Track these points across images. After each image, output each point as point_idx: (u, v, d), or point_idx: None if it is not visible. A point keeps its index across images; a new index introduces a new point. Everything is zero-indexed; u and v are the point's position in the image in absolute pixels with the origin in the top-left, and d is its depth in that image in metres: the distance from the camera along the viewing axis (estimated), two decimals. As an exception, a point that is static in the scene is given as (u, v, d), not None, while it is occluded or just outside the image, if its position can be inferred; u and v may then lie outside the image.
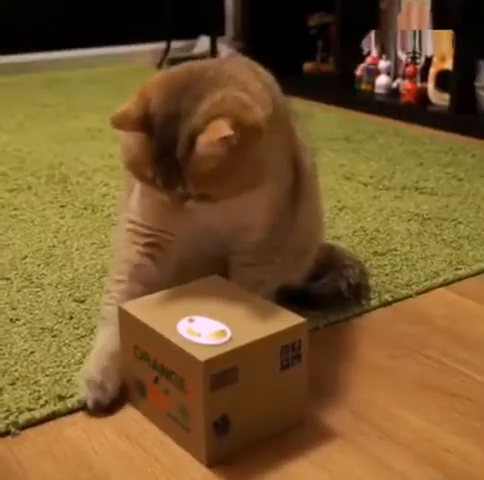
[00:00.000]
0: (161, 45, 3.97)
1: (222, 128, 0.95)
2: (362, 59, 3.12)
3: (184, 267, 1.18)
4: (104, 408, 1.07)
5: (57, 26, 3.80)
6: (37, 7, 3.77)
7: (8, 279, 1.49)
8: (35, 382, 1.14)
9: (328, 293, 1.37)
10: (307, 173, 1.21)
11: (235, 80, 1.03)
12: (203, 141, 0.96)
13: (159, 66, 3.90)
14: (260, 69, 1.14)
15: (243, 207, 1.09)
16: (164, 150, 0.98)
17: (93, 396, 1.07)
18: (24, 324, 1.32)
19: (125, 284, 1.15)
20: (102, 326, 1.16)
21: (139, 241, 1.15)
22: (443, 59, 2.77)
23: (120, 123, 1.00)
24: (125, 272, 1.16)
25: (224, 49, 3.90)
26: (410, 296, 1.43)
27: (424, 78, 2.89)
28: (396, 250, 1.62)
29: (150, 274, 1.16)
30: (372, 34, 3.07)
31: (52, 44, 3.81)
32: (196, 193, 1.01)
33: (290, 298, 1.26)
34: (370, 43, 3.09)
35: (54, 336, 1.27)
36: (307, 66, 3.53)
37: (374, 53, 3.09)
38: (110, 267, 1.20)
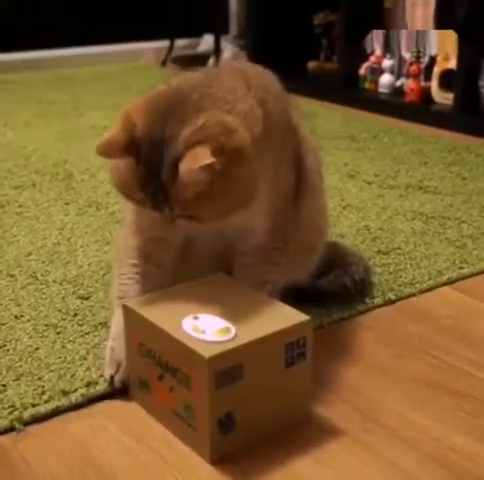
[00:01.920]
0: (165, 43, 3.97)
1: (202, 155, 0.94)
2: (366, 58, 3.11)
3: (188, 265, 1.18)
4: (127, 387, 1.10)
5: (62, 24, 3.80)
6: (42, 5, 3.77)
7: (13, 276, 1.50)
8: (39, 378, 1.14)
9: (333, 289, 1.37)
10: (311, 171, 1.20)
11: (222, 101, 1.01)
12: (184, 168, 0.96)
13: (163, 64, 3.90)
14: (258, 75, 1.12)
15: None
16: (151, 174, 0.99)
17: (121, 375, 1.10)
18: (29, 321, 1.32)
19: (139, 267, 1.16)
20: (119, 306, 1.15)
21: (143, 236, 1.16)
22: (447, 58, 2.77)
23: (107, 151, 1.00)
24: (137, 256, 1.17)
25: (228, 47, 3.90)
26: (414, 295, 1.43)
27: (428, 77, 2.88)
28: (400, 249, 1.62)
29: (160, 257, 1.16)
30: (376, 33, 3.07)
31: (57, 42, 3.81)
32: (184, 215, 1.02)
33: (295, 295, 1.26)
34: (374, 42, 3.09)
35: (58, 333, 1.28)
36: (311, 65, 3.53)
37: (378, 52, 3.09)
38: (119, 253, 1.21)
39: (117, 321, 1.14)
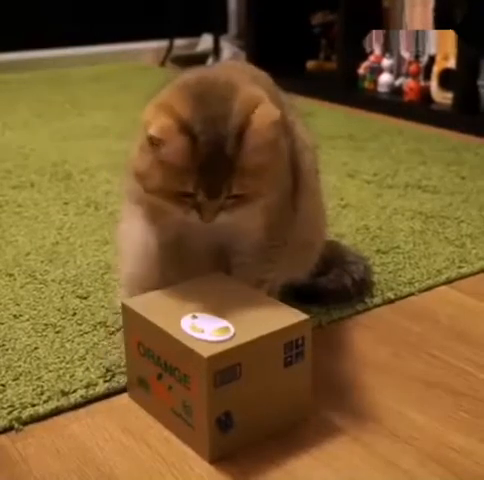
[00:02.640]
0: (164, 43, 3.97)
1: (271, 111, 0.97)
2: (365, 57, 3.11)
3: (186, 265, 1.18)
4: None
5: (61, 24, 3.80)
6: (41, 5, 3.77)
7: (12, 275, 1.50)
8: (38, 378, 1.14)
9: (333, 289, 1.37)
10: (307, 169, 1.20)
11: (247, 82, 1.04)
12: (258, 124, 0.96)
13: (162, 64, 3.90)
14: (256, 72, 1.15)
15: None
16: (210, 154, 0.97)
17: None
18: (27, 320, 1.32)
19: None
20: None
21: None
22: (446, 58, 2.77)
23: (163, 137, 0.96)
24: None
25: (227, 47, 3.90)
26: (413, 294, 1.43)
27: (427, 76, 2.89)
28: (399, 248, 1.62)
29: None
30: (375, 33, 3.07)
31: (56, 42, 3.81)
32: (239, 193, 1.00)
33: (295, 294, 1.27)
34: (373, 41, 3.09)
35: (57, 332, 1.28)
36: (310, 64, 3.53)
37: (377, 51, 3.09)
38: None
39: (133, 250, 1.14)
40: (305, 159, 1.20)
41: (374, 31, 3.06)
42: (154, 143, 0.97)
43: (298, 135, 1.20)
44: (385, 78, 3.05)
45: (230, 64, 1.17)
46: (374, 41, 3.09)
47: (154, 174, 1.00)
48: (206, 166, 0.97)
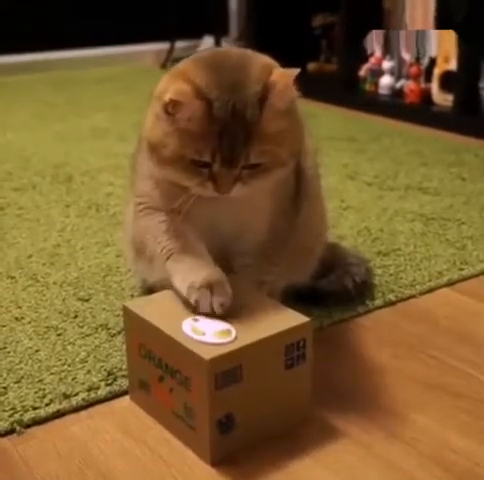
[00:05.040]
0: (165, 45, 3.97)
1: (288, 72, 0.98)
2: (366, 59, 3.12)
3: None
4: (227, 309, 1.01)
5: (62, 26, 3.81)
6: (42, 7, 3.78)
7: (13, 278, 1.50)
8: (40, 380, 1.14)
9: (334, 291, 1.37)
10: (309, 173, 1.21)
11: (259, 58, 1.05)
12: (280, 84, 0.97)
13: (163, 66, 3.91)
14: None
15: (246, 207, 1.09)
16: (227, 120, 0.96)
17: (218, 299, 1.01)
18: (29, 323, 1.32)
19: (181, 240, 1.10)
20: (174, 260, 1.08)
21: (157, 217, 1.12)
22: (447, 60, 2.77)
23: (180, 99, 0.95)
24: (172, 235, 1.10)
25: (228, 49, 3.90)
26: (414, 296, 1.43)
27: (428, 79, 2.89)
28: (400, 250, 1.62)
29: (188, 229, 1.10)
30: (376, 34, 3.07)
31: (57, 44, 3.82)
32: (256, 162, 0.99)
33: (296, 296, 1.27)
34: (374, 43, 3.10)
35: (59, 335, 1.28)
36: (311, 66, 3.53)
37: (378, 53, 3.09)
38: (136, 236, 1.18)
39: (187, 262, 1.07)
40: (307, 163, 1.20)
41: (375, 33, 3.06)
42: (170, 110, 0.97)
43: None
44: (386, 80, 3.05)
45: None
46: (375, 43, 3.09)
47: (170, 142, 0.99)
48: (224, 133, 0.96)
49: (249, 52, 1.05)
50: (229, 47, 1.13)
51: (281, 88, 0.97)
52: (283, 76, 0.98)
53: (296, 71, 0.98)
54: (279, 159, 1.01)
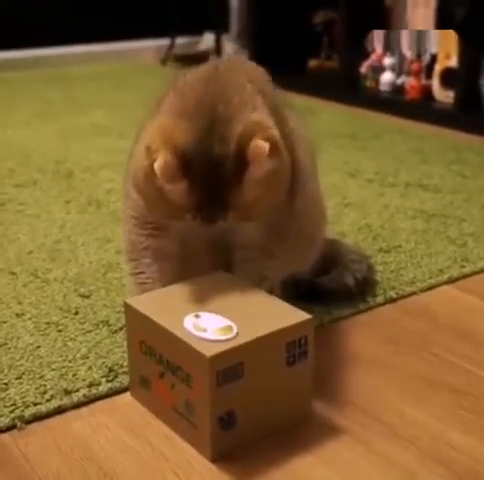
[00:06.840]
0: (166, 41, 3.97)
1: (263, 145, 0.97)
2: (367, 56, 3.12)
3: (187, 261, 1.18)
4: None
5: (62, 22, 3.80)
6: (41, 3, 3.77)
7: (14, 274, 1.50)
8: (41, 376, 1.14)
9: (335, 288, 1.37)
10: (302, 159, 1.20)
11: (244, 104, 1.03)
12: (256, 156, 0.98)
13: (163, 62, 3.90)
14: (253, 68, 1.16)
15: None
16: (209, 187, 1.00)
17: None
18: (30, 319, 1.32)
19: (156, 265, 1.16)
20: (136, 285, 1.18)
21: (144, 232, 1.16)
22: (448, 56, 2.77)
23: (166, 175, 0.98)
24: (150, 256, 1.17)
25: (229, 46, 3.90)
26: (415, 293, 1.43)
27: (429, 75, 2.89)
28: (401, 247, 1.62)
29: (170, 248, 1.16)
30: (377, 31, 3.07)
31: (57, 40, 3.81)
32: (237, 219, 1.05)
33: (297, 293, 1.26)
34: (375, 40, 3.09)
35: (60, 331, 1.28)
36: (312, 63, 3.53)
37: (379, 50, 3.09)
38: (127, 248, 1.21)
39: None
40: (300, 150, 1.19)
41: (376, 30, 3.06)
42: (156, 175, 0.99)
43: (292, 129, 1.19)
44: (387, 77, 3.05)
45: (233, 62, 1.17)
46: (376, 40, 3.09)
47: (153, 192, 1.04)
48: (202, 202, 1.01)
49: (233, 100, 1.03)
50: (225, 68, 1.11)
51: (257, 163, 0.99)
52: (259, 152, 0.98)
53: (270, 142, 0.98)
54: (259, 213, 1.07)
